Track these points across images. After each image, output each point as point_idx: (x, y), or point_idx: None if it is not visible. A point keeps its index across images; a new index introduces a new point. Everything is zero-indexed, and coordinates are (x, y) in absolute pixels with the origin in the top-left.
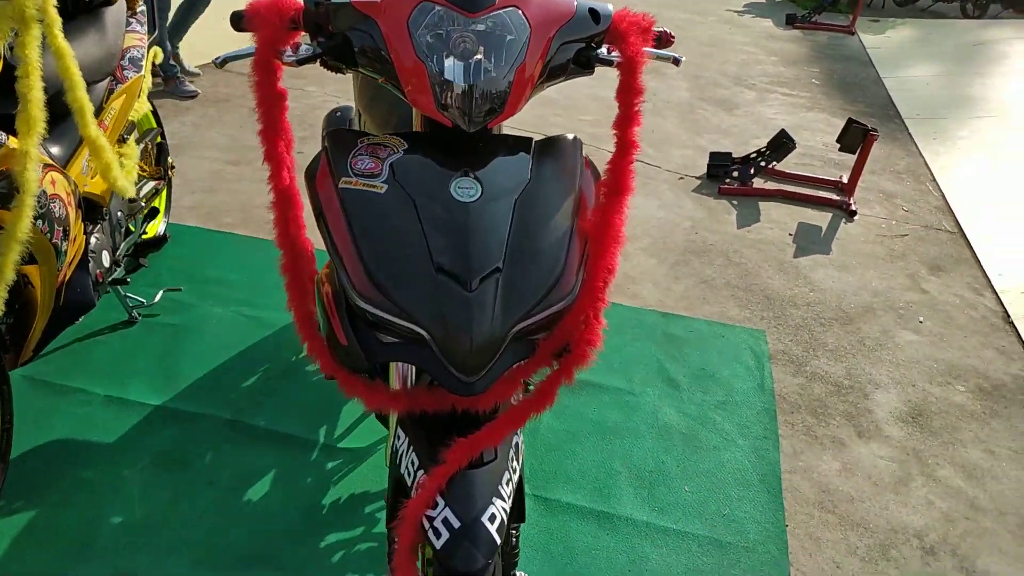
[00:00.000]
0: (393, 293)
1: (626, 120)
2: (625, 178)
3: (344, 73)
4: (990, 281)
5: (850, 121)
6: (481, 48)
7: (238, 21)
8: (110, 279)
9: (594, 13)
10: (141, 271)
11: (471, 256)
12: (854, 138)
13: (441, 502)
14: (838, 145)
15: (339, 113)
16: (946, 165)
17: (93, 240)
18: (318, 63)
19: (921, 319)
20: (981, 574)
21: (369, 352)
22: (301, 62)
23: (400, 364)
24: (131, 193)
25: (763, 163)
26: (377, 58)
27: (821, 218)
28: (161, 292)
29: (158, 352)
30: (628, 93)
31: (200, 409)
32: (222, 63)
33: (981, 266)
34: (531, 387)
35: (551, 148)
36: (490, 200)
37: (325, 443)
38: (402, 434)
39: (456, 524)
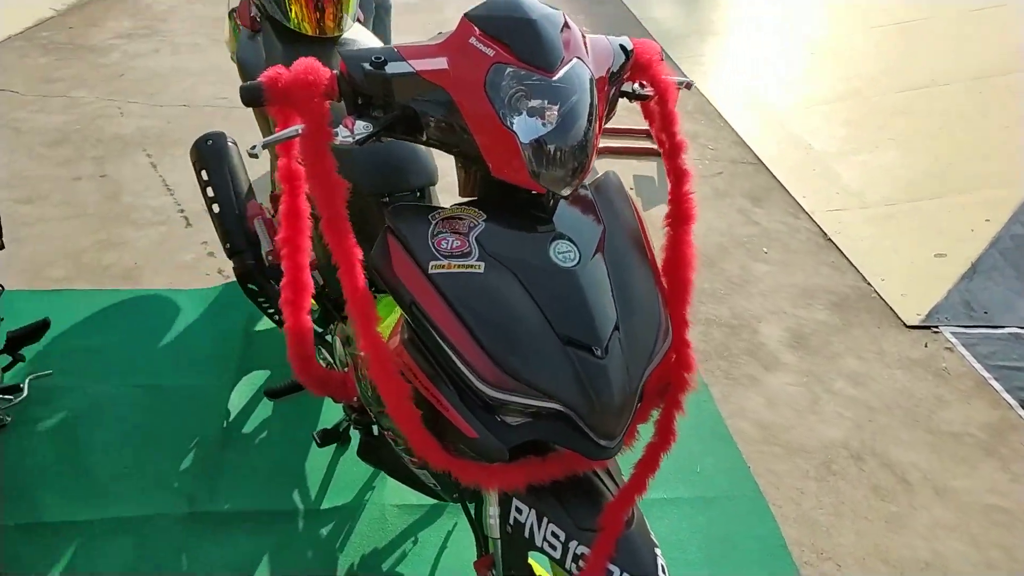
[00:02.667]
0: (526, 375)
1: (675, 150)
2: (688, 207)
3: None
4: (801, 205)
5: None
6: (566, 107)
7: (257, 95)
8: None
9: (622, 47)
10: None
11: (595, 322)
12: None
13: (616, 569)
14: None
15: (211, 142)
16: (724, 100)
17: None
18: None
19: (765, 250)
20: (896, 464)
21: (503, 440)
22: (361, 142)
23: None
24: None
25: None
26: (449, 129)
27: (650, 168)
28: (27, 381)
29: (53, 456)
30: (669, 122)
31: (144, 511)
32: (262, 148)
33: (788, 192)
34: None
35: (604, 190)
36: (588, 260)
37: (307, 508)
38: (523, 507)
39: None
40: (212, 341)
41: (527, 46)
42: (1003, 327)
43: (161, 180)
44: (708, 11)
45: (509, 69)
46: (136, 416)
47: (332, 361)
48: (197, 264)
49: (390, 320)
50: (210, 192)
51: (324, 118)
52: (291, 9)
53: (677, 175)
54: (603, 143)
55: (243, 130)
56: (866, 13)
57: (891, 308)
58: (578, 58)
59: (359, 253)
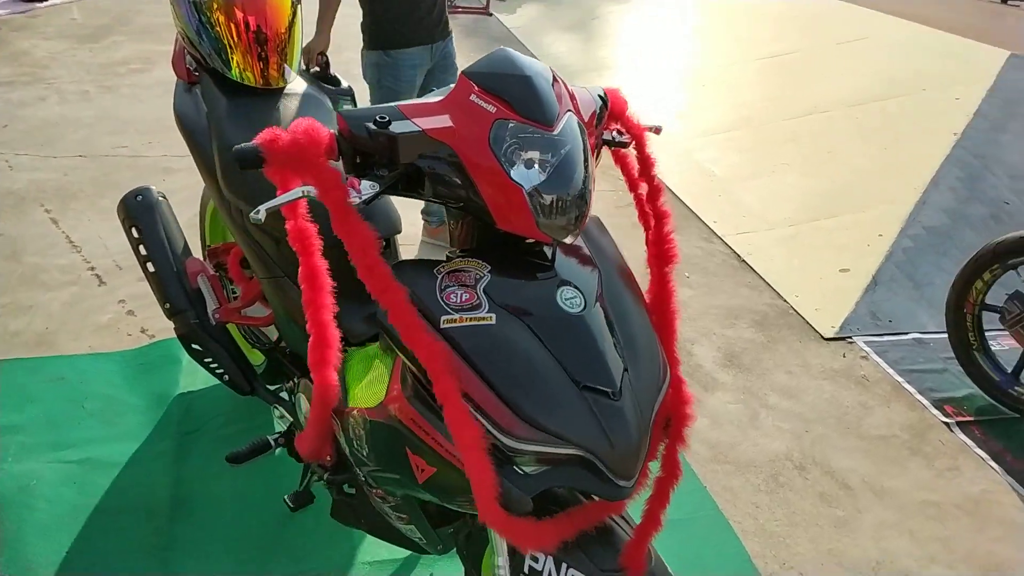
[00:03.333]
0: (548, 423)
1: (654, 193)
2: (670, 247)
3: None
4: (713, 230)
5: None
6: (566, 158)
7: (254, 158)
8: None
9: (600, 96)
10: None
11: (608, 366)
12: None
13: None
14: None
15: (140, 197)
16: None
17: None
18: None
19: (687, 275)
20: (837, 471)
21: (526, 490)
22: (368, 202)
23: None
24: None
25: None
26: (454, 185)
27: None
28: None
29: None
30: (647, 167)
31: None
32: (265, 212)
33: (699, 218)
34: None
35: (591, 233)
36: (592, 304)
37: (291, 574)
38: (539, 555)
39: None
40: (145, 405)
41: (526, 102)
42: (907, 333)
43: (65, 237)
44: (600, 47)
45: (511, 124)
46: (70, 494)
47: (291, 418)
48: (116, 324)
49: (374, 375)
50: (143, 250)
51: (336, 177)
52: (232, 59)
53: (658, 217)
54: None
55: (155, 181)
56: (745, 47)
57: (808, 323)
58: (570, 111)
59: (404, 293)
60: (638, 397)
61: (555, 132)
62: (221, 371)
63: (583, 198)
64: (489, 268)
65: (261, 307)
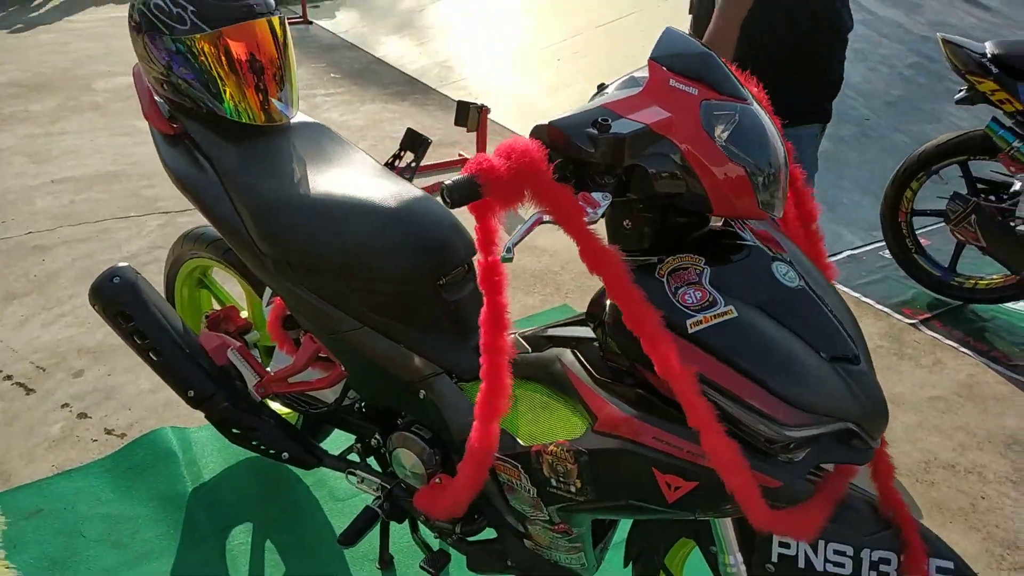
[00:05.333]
0: (817, 404)
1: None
2: (811, 206)
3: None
4: None
5: (461, 103)
6: (769, 129)
7: (472, 192)
8: None
9: None
10: None
11: (842, 333)
12: (472, 116)
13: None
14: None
15: (117, 279)
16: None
17: None
18: None
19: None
20: None
21: (800, 476)
22: (604, 215)
23: None
24: None
25: (413, 165)
26: (672, 178)
27: None
28: None
29: None
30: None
31: None
32: (512, 247)
33: None
34: None
35: None
36: (804, 274)
37: None
38: (788, 539)
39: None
40: (156, 514)
41: (721, 79)
42: (839, 252)
43: None
44: (438, 43)
45: (714, 103)
46: None
47: (378, 480)
48: (73, 433)
49: (535, 405)
50: (139, 339)
51: (570, 195)
52: (225, 95)
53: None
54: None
55: (33, 266)
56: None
57: None
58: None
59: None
60: (866, 358)
61: (751, 104)
62: (277, 450)
63: (785, 168)
64: (704, 260)
65: (313, 369)
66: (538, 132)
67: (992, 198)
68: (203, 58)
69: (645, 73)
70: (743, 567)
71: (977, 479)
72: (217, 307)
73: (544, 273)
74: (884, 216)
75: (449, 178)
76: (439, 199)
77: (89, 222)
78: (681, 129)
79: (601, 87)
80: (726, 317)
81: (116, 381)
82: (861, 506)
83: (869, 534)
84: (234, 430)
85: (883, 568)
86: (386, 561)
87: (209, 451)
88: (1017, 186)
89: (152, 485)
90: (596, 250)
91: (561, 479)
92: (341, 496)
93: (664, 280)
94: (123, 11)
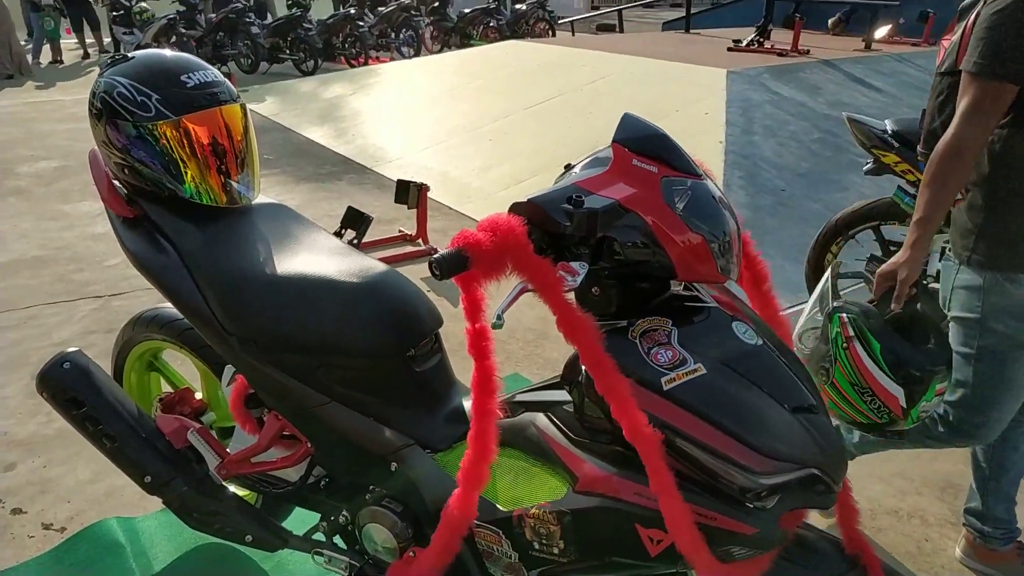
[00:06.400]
0: (783, 452)
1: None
2: (761, 268)
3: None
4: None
5: (401, 182)
6: (721, 202)
7: (461, 264)
8: None
9: None
10: None
11: (800, 385)
12: (412, 194)
13: None
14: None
15: (68, 364)
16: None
17: None
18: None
19: None
20: None
21: (773, 522)
22: (581, 283)
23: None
24: None
25: (355, 242)
26: (639, 248)
27: (423, 271)
28: None
29: None
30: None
31: None
32: (502, 314)
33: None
34: None
35: None
36: (760, 331)
37: None
38: None
39: None
40: None
41: (676, 157)
42: None
43: None
44: (371, 128)
45: (674, 180)
46: None
47: (346, 559)
48: (8, 530)
49: (513, 470)
50: (92, 426)
51: (549, 266)
52: (187, 177)
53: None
54: (381, 254)
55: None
56: (503, 101)
57: None
58: None
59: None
60: (821, 406)
61: (703, 179)
62: (240, 533)
63: (738, 234)
64: (671, 321)
65: (276, 448)
66: (517, 208)
67: None
68: (164, 142)
69: (608, 154)
70: None
71: (920, 523)
72: (169, 390)
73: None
74: (808, 278)
75: (430, 254)
76: (427, 268)
77: (17, 308)
78: (646, 203)
79: (568, 167)
80: (697, 374)
81: (52, 473)
82: (828, 548)
83: (837, 574)
84: (195, 515)
85: None
86: None
87: (159, 540)
88: None
89: None
90: (573, 319)
91: (544, 541)
92: None
93: (637, 341)
94: (42, 96)
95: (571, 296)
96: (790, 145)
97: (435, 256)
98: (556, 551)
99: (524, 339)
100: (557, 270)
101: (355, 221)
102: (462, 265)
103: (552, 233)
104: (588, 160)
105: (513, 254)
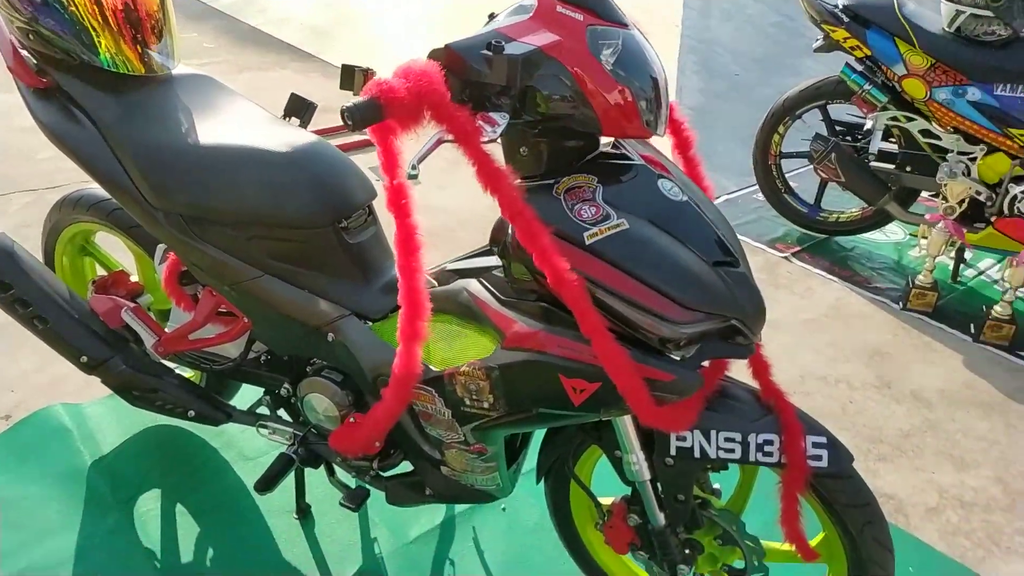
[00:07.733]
0: (703, 303)
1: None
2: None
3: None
4: None
5: (346, 67)
6: (651, 53)
7: (374, 114)
8: None
9: None
10: None
11: (723, 240)
12: (357, 79)
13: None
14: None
15: None
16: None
17: None
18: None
19: None
20: None
21: (692, 370)
22: (503, 135)
23: None
24: None
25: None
26: (563, 100)
27: (373, 159)
28: None
29: None
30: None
31: None
32: (417, 164)
33: None
34: None
35: None
36: (686, 188)
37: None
38: (685, 433)
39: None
40: (56, 492)
41: (604, 5)
42: (717, 197)
43: None
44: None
45: (599, 28)
46: None
47: (290, 429)
48: None
49: (448, 333)
50: (22, 308)
51: (469, 117)
52: (100, 46)
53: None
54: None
55: None
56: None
57: None
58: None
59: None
60: (743, 260)
61: (631, 29)
62: (183, 408)
63: (666, 89)
64: (597, 179)
65: (213, 325)
66: (435, 54)
67: (848, 138)
68: (73, 8)
69: (533, 1)
70: (645, 464)
71: (846, 387)
72: (103, 273)
73: (442, 231)
74: (756, 160)
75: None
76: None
77: None
78: (570, 52)
79: (492, 16)
80: (619, 229)
81: None
82: (745, 396)
83: (753, 420)
84: (135, 392)
85: (767, 448)
86: (303, 510)
87: (107, 424)
88: (869, 125)
89: (45, 464)
90: (491, 170)
91: (474, 397)
92: (252, 455)
93: (561, 198)
94: None
95: (495, 152)
96: (746, 29)
97: (346, 105)
98: (486, 405)
99: (474, 227)
100: (476, 119)
101: (298, 109)
102: (376, 115)
103: (472, 82)
104: (513, 8)
105: (430, 102)
